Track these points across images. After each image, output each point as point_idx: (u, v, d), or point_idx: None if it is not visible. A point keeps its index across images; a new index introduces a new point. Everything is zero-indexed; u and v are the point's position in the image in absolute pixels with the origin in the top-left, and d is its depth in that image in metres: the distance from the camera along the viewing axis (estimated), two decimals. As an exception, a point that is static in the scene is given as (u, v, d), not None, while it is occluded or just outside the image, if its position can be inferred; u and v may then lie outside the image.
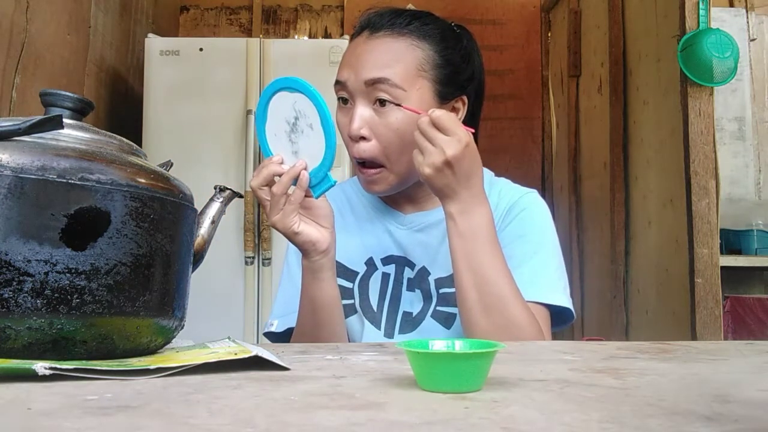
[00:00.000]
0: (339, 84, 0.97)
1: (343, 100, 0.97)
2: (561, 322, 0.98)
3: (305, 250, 0.88)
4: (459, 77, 0.99)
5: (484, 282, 0.86)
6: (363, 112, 0.93)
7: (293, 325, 0.99)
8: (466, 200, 0.86)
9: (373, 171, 0.95)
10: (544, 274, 0.96)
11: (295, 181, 0.83)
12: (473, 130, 0.85)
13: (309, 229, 0.87)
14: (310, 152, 0.83)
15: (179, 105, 2.49)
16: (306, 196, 0.84)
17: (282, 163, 0.85)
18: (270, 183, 0.85)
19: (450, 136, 0.82)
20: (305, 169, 0.83)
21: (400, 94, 0.92)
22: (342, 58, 0.99)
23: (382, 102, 0.92)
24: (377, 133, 0.93)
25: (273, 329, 1.02)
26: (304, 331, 0.95)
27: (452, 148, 0.82)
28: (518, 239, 0.98)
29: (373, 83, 0.92)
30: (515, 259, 0.95)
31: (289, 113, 0.84)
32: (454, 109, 1.00)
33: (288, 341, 1.01)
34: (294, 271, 1.04)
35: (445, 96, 0.97)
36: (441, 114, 0.83)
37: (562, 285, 0.97)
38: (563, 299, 0.95)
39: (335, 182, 0.84)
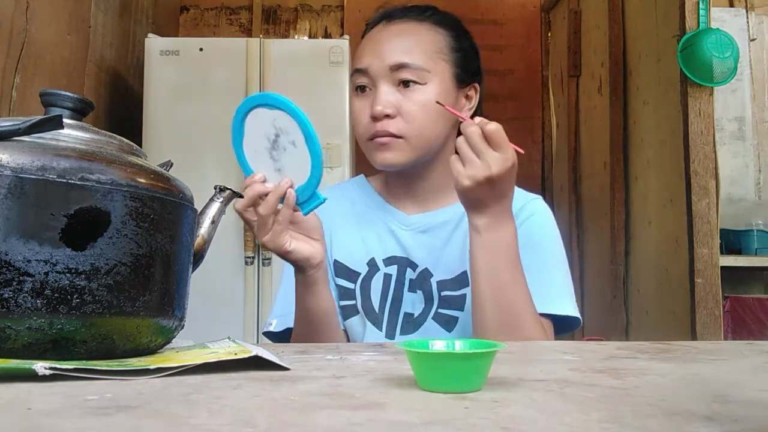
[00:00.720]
0: (359, 72, 0.98)
1: (360, 88, 0.98)
2: (567, 329, 0.98)
3: (299, 266, 0.87)
4: (472, 64, 1.02)
5: (503, 299, 0.86)
6: (387, 93, 0.95)
7: (292, 325, 0.99)
8: (494, 215, 0.85)
9: (391, 137, 0.94)
10: (553, 284, 0.96)
11: (282, 199, 0.81)
12: (522, 151, 0.83)
13: (301, 246, 0.86)
14: (295, 169, 0.81)
15: (179, 105, 2.49)
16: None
17: (264, 181, 0.82)
18: (255, 203, 0.83)
19: (499, 153, 0.80)
20: (291, 186, 0.81)
21: (425, 75, 0.95)
22: (360, 49, 1.00)
23: (407, 83, 0.95)
24: (402, 111, 0.95)
25: (271, 329, 1.02)
26: (299, 340, 0.95)
27: (498, 166, 0.80)
28: (525, 248, 0.95)
29: (399, 67, 0.95)
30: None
31: (269, 130, 0.81)
32: (468, 97, 1.03)
33: (286, 340, 1.01)
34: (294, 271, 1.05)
35: (462, 80, 1.00)
36: (496, 129, 0.80)
37: (569, 293, 0.98)
38: (571, 308, 0.96)
39: (325, 199, 0.82)
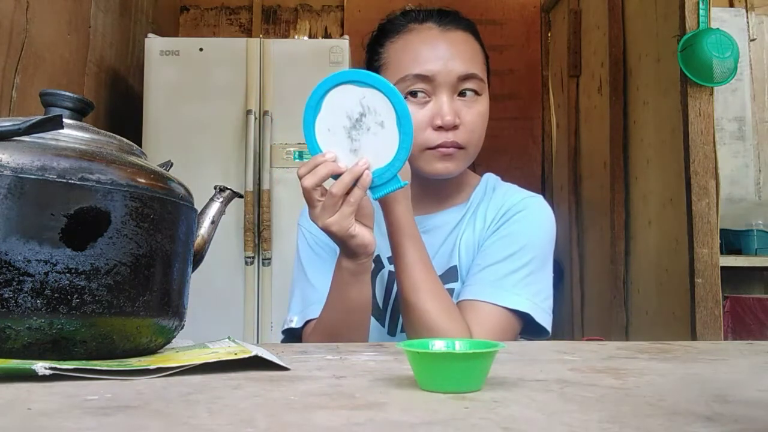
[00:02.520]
0: (420, 77, 0.95)
1: (412, 94, 0.96)
2: (536, 333, 0.95)
3: (356, 253, 0.84)
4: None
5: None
6: (452, 102, 0.96)
7: (311, 317, 0.98)
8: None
9: (455, 148, 0.95)
10: (512, 277, 0.93)
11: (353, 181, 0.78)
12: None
13: (363, 231, 0.82)
14: (375, 151, 0.78)
15: (179, 105, 2.49)
16: None
17: (335, 160, 0.79)
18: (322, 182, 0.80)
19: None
20: (368, 168, 0.78)
21: (483, 86, 0.98)
22: (413, 51, 0.97)
23: (463, 93, 0.96)
24: (465, 121, 0.96)
25: (293, 325, 1.00)
26: (331, 331, 0.92)
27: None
28: (502, 239, 0.97)
29: (467, 78, 0.96)
30: (491, 257, 0.95)
31: (353, 108, 0.78)
32: None
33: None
34: (307, 267, 1.04)
35: (488, 87, 1.03)
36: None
37: (530, 291, 0.94)
38: (524, 304, 0.92)
39: (406, 183, 0.79)
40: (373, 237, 0.84)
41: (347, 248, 0.84)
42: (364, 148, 0.79)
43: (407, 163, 0.81)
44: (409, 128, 0.77)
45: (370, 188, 0.79)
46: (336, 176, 0.79)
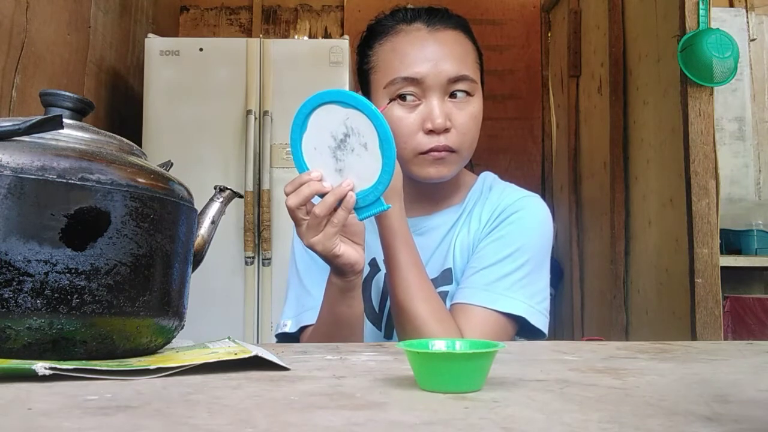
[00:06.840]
0: (409, 80, 0.93)
1: (402, 97, 0.94)
2: (532, 334, 0.95)
3: (343, 271, 0.84)
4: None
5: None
6: (443, 105, 0.93)
7: (306, 323, 0.98)
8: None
9: (447, 152, 0.93)
10: (507, 280, 0.93)
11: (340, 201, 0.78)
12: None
13: (349, 251, 0.82)
14: (359, 172, 0.78)
15: (179, 105, 2.49)
16: None
17: (321, 180, 0.79)
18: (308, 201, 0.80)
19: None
20: (352, 189, 0.78)
21: (475, 87, 0.96)
22: (401, 53, 0.95)
23: (454, 94, 0.94)
24: (456, 123, 0.94)
25: (286, 329, 1.00)
26: (326, 341, 0.92)
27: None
28: (497, 240, 0.96)
29: (457, 80, 0.94)
30: (485, 260, 0.94)
31: (338, 129, 0.78)
32: None
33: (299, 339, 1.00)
34: (302, 271, 1.04)
35: (482, 86, 1.01)
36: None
37: (525, 293, 0.93)
38: (519, 307, 0.91)
39: (389, 207, 0.79)
40: (360, 255, 0.84)
41: (333, 266, 0.85)
42: (349, 169, 0.78)
43: (395, 174, 0.81)
44: (392, 152, 0.76)
45: (355, 209, 0.79)
46: (322, 195, 0.79)
